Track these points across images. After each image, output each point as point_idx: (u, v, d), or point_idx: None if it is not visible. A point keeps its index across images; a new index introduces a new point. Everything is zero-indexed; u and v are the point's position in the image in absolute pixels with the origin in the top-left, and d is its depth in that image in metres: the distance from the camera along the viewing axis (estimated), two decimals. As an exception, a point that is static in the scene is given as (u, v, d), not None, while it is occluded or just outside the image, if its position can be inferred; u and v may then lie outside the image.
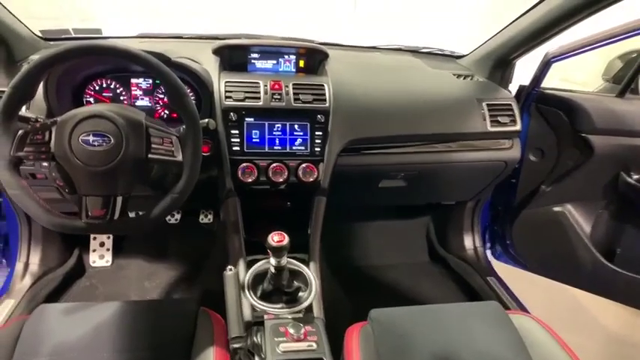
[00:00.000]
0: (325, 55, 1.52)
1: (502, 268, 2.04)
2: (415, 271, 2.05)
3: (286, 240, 1.08)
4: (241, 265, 1.32)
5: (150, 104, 1.44)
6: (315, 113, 1.36)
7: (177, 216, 2.02)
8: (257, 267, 1.30)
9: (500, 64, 1.67)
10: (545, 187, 1.78)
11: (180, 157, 1.04)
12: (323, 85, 1.40)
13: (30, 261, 1.72)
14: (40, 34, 1.55)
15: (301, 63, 1.57)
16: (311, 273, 1.29)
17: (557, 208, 1.76)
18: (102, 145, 0.96)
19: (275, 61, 1.56)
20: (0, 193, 1.61)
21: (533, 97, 1.74)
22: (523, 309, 1.74)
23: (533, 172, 1.80)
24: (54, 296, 1.68)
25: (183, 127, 1.10)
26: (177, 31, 1.81)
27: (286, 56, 1.56)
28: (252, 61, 1.55)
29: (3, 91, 1.25)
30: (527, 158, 1.78)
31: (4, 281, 1.71)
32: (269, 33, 1.84)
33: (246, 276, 1.27)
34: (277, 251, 1.11)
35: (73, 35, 1.65)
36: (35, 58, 0.97)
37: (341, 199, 1.65)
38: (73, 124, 0.96)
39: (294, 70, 1.57)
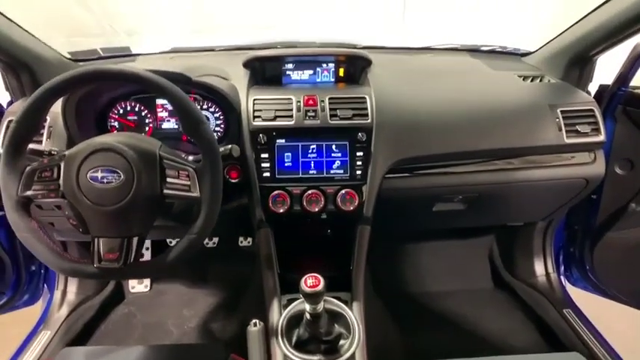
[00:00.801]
0: (368, 62, 1.34)
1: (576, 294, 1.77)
2: (477, 300, 1.81)
3: (322, 284, 0.93)
4: (275, 305, 1.17)
5: (176, 127, 1.33)
6: (355, 131, 1.19)
7: (215, 239, 1.91)
8: (292, 309, 1.15)
9: (577, 61, 1.40)
10: (635, 206, 1.49)
11: (197, 193, 0.91)
12: (364, 98, 1.23)
13: (67, 289, 1.69)
14: (68, 56, 1.50)
15: (341, 72, 1.41)
16: (354, 316, 1.12)
17: None
18: (112, 182, 0.86)
19: (312, 72, 1.41)
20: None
21: (619, 99, 1.45)
22: (609, 351, 1.47)
23: (620, 187, 1.51)
24: (90, 327, 1.63)
25: (198, 157, 0.97)
26: (212, 44, 1.70)
27: (324, 65, 1.41)
28: (287, 72, 1.41)
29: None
30: (613, 171, 1.50)
31: (44, 309, 1.67)
32: (310, 37, 1.69)
33: (279, 320, 1.12)
34: (311, 297, 0.95)
35: (102, 55, 1.59)
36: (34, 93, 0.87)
37: (389, 225, 1.46)
38: (80, 160, 0.87)
39: (333, 80, 1.41)
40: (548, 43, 1.54)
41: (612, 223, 1.55)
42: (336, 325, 1.09)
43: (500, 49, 1.74)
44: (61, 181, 0.88)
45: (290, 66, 1.40)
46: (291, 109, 1.20)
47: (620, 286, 1.60)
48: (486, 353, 1.05)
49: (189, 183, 0.92)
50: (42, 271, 1.70)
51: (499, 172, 1.31)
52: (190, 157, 0.99)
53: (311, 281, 0.94)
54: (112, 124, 1.31)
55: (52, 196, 0.89)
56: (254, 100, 1.22)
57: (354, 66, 1.39)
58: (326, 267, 1.28)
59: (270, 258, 1.22)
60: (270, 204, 1.16)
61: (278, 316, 1.14)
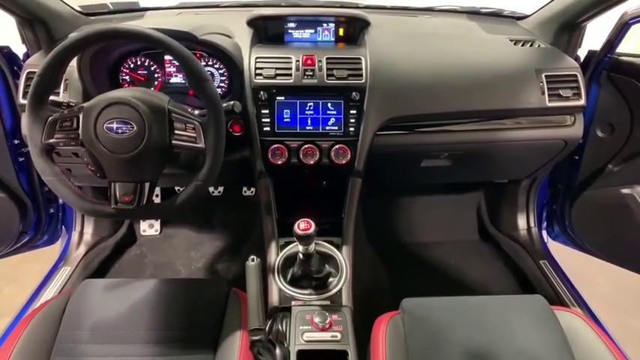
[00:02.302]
0: (366, 23, 1.41)
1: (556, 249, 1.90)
2: (463, 250, 1.95)
3: (312, 228, 1.05)
4: (273, 247, 1.30)
5: (183, 82, 1.42)
6: (349, 90, 1.27)
7: (220, 188, 2.04)
8: (288, 250, 1.28)
9: (567, 27, 1.46)
10: (612, 167, 1.59)
11: (202, 144, 1.02)
12: (360, 59, 1.30)
13: (84, 230, 1.83)
14: (80, 10, 1.56)
15: (341, 31, 1.47)
16: (343, 258, 1.26)
17: (625, 190, 1.57)
18: (125, 133, 0.96)
19: (313, 31, 1.48)
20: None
21: (605, 65, 1.51)
22: (575, 297, 1.61)
23: (601, 149, 1.60)
24: (106, 264, 1.78)
25: (204, 112, 1.07)
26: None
27: (324, 25, 1.47)
28: (289, 31, 1.48)
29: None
30: (594, 134, 1.59)
31: (62, 248, 1.83)
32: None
33: (276, 260, 1.26)
34: (303, 239, 1.08)
35: (112, 9, 1.65)
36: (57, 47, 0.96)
37: (380, 179, 1.57)
38: (97, 111, 0.97)
39: (333, 39, 1.48)
40: (541, 7, 1.58)
41: (591, 182, 1.65)
42: (326, 265, 1.23)
43: (497, 12, 1.78)
44: (80, 131, 0.98)
45: (292, 25, 1.46)
46: (291, 68, 1.28)
47: (596, 240, 1.73)
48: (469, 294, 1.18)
49: (195, 135, 1.02)
50: (60, 213, 1.84)
51: (482, 132, 1.40)
52: (196, 112, 1.09)
53: (303, 225, 1.07)
54: (124, 77, 1.40)
55: (73, 144, 1.00)
56: (256, 58, 1.29)
57: (353, 26, 1.44)
58: (320, 215, 1.40)
59: (269, 205, 1.34)
60: (270, 156, 1.27)
61: (275, 256, 1.28)
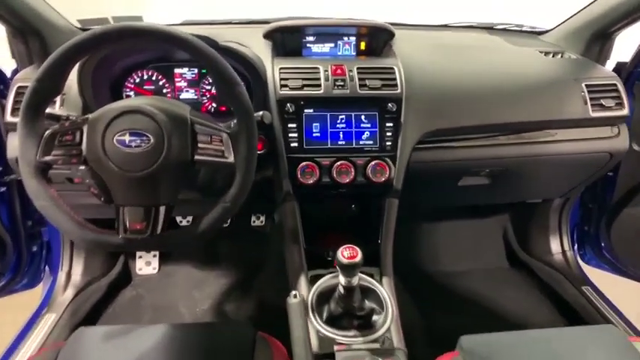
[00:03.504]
0: (390, 35, 1.31)
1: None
2: (493, 279, 1.80)
3: (359, 256, 0.90)
4: (302, 281, 1.13)
5: (195, 97, 1.28)
6: (384, 101, 1.15)
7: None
8: (322, 284, 1.11)
9: (598, 37, 1.40)
10: None
11: (231, 158, 0.87)
12: (392, 68, 1.19)
13: (72, 270, 1.62)
14: (77, 25, 1.42)
15: (362, 45, 1.38)
16: (385, 291, 1.09)
17: None
18: (140, 146, 0.80)
19: (333, 44, 1.38)
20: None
21: (637, 75, 1.45)
22: (627, 322, 1.47)
23: (637, 163, 1.51)
24: (98, 309, 1.56)
25: (235, 121, 0.92)
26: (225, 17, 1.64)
27: (345, 38, 1.38)
28: (308, 45, 1.37)
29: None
30: (630, 148, 1.49)
31: (46, 292, 1.61)
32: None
33: (309, 295, 1.08)
34: (349, 269, 0.92)
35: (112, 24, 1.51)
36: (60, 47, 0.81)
37: (412, 200, 1.43)
38: (106, 122, 0.81)
39: (354, 53, 1.38)
40: (566, 20, 1.53)
41: (629, 199, 1.55)
42: (366, 301, 1.06)
43: (516, 28, 1.72)
44: (83, 146, 0.83)
45: (311, 38, 1.36)
46: (319, 78, 1.16)
47: (637, 263, 1.60)
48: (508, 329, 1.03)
49: (222, 148, 0.87)
50: (43, 251, 1.62)
51: (526, 146, 1.30)
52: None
53: (348, 252, 0.91)
54: (128, 93, 1.25)
55: (74, 162, 0.84)
56: (280, 68, 1.17)
57: (376, 39, 1.35)
58: (351, 242, 1.25)
59: (295, 232, 1.18)
60: (299, 175, 1.11)
61: (307, 291, 1.10)
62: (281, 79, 1.15)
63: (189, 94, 1.27)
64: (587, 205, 1.74)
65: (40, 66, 1.21)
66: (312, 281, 1.14)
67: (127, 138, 0.80)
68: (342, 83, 1.15)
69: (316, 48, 1.37)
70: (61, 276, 1.60)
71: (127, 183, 0.82)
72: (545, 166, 1.36)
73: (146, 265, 1.79)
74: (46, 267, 1.66)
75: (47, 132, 0.83)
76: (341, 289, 0.99)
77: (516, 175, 1.39)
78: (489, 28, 1.69)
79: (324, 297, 1.08)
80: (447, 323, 1.51)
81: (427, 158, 1.25)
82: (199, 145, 0.85)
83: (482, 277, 1.81)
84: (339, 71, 1.16)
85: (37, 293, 1.65)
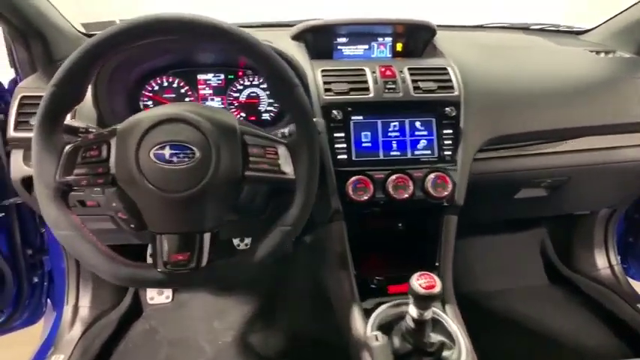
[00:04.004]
0: (431, 33, 1.19)
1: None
2: (536, 298, 1.65)
3: (438, 285, 0.76)
4: (356, 314, 0.99)
5: (222, 106, 1.14)
6: (442, 105, 1.02)
7: (248, 240, 1.69)
8: (380, 316, 0.97)
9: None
10: None
11: (291, 174, 0.72)
12: (446, 69, 1.07)
13: (79, 303, 1.44)
14: (81, 30, 1.28)
15: (399, 46, 1.26)
16: (452, 322, 0.95)
17: None
18: (184, 162, 0.66)
19: (366, 46, 1.26)
20: (43, 222, 1.35)
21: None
22: None
23: None
24: (108, 347, 1.39)
25: (285, 131, 0.80)
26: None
27: (380, 39, 1.25)
28: (339, 47, 1.25)
29: (41, 96, 0.99)
30: None
31: (51, 328, 1.43)
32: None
33: (366, 330, 0.94)
34: (426, 301, 0.78)
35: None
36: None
37: (463, 216, 1.30)
38: (140, 133, 0.67)
39: (389, 55, 1.26)
40: (610, 19, 1.44)
41: None
42: (432, 334, 0.91)
43: (552, 28, 1.61)
44: (111, 163, 0.68)
45: (343, 39, 1.24)
46: (367, 81, 1.02)
47: None
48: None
49: (279, 162, 0.73)
50: (45, 283, 1.45)
51: (590, 153, 1.18)
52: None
53: (425, 281, 0.78)
54: (145, 102, 1.10)
55: (100, 182, 0.69)
56: (322, 71, 1.04)
57: (414, 39, 1.23)
58: (403, 265, 1.11)
59: (344, 257, 1.04)
60: (350, 191, 0.97)
61: (363, 325, 0.96)
62: (324, 82, 1.02)
63: (214, 104, 1.13)
64: (632, 216, 1.62)
65: (45, 72, 1.08)
66: (368, 312, 1.00)
67: (166, 152, 0.66)
68: (393, 86, 1.02)
69: (348, 50, 1.25)
70: (67, 310, 1.42)
71: (166, 206, 0.68)
72: (607, 174, 1.25)
73: (158, 293, 1.62)
74: (48, 300, 1.49)
75: (68, 147, 0.69)
76: (410, 323, 0.85)
77: (577, 185, 1.26)
78: (525, 29, 1.59)
79: (383, 330, 0.94)
80: (492, 347, 1.37)
81: (485, 169, 1.12)
82: (250, 158, 0.71)
83: (522, 295, 1.67)
84: (388, 73, 1.03)
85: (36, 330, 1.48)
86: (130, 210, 0.73)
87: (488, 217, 1.51)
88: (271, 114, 1.14)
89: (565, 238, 1.75)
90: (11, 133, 0.97)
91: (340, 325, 1.05)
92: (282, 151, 0.73)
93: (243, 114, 1.15)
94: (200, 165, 0.67)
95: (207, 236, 0.71)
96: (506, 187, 1.21)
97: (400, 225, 1.17)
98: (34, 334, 1.48)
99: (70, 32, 1.20)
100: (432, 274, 0.79)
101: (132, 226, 0.77)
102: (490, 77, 1.11)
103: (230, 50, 0.74)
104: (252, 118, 1.15)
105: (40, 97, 0.99)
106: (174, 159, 0.66)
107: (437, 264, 1.06)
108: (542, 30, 1.59)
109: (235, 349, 1.44)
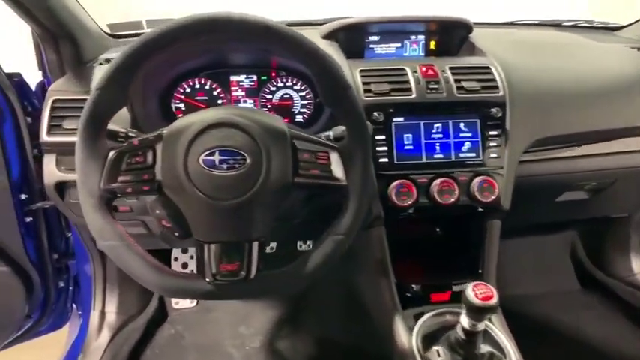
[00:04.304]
0: (468, 29, 1.15)
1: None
2: (568, 303, 1.61)
3: (496, 297, 0.72)
4: (399, 324, 0.95)
5: (254, 107, 1.10)
6: (487, 105, 0.98)
7: (273, 244, 1.66)
8: (424, 326, 0.93)
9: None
10: None
11: (343, 180, 0.69)
12: (489, 67, 1.03)
13: (106, 309, 1.42)
14: (107, 30, 1.25)
15: (432, 44, 1.22)
16: (500, 332, 0.91)
17: None
18: (234, 168, 0.63)
19: (399, 44, 1.22)
20: (69, 226, 1.33)
21: None
22: None
23: None
24: (136, 353, 1.37)
25: (329, 134, 0.76)
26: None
27: (413, 36, 1.21)
28: (371, 46, 1.22)
29: (76, 99, 0.97)
30: None
31: (77, 333, 1.41)
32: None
33: (412, 339, 0.91)
34: (482, 313, 0.75)
35: (146, 30, 1.34)
36: (131, 44, 0.63)
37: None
38: (189, 139, 0.64)
39: (422, 54, 1.23)
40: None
41: None
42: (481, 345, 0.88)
43: (586, 24, 1.56)
44: (157, 169, 0.65)
45: (375, 38, 1.21)
46: (408, 81, 0.99)
47: None
48: None
49: (331, 167, 0.69)
50: (70, 287, 1.43)
51: (636, 154, 1.13)
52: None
53: (482, 291, 0.74)
54: (177, 105, 1.07)
55: (145, 190, 0.67)
56: (360, 71, 1.00)
57: (449, 36, 1.19)
58: (443, 272, 1.07)
59: (385, 264, 1.00)
60: (393, 196, 0.93)
61: (407, 336, 0.92)
62: (363, 83, 0.98)
63: (246, 105, 1.10)
64: None
65: (75, 75, 1.06)
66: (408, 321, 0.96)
67: (216, 158, 0.63)
68: (435, 86, 0.98)
69: (380, 49, 1.22)
70: (94, 316, 1.40)
71: (215, 214, 0.65)
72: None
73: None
74: (73, 305, 1.47)
75: (112, 153, 0.66)
76: (461, 334, 0.82)
77: (620, 188, 1.21)
78: (557, 25, 1.54)
79: (428, 341, 0.91)
80: (537, 358, 1.33)
81: (528, 172, 1.07)
82: (301, 164, 0.68)
83: (555, 300, 1.62)
84: (430, 72, 1.00)
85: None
86: (174, 217, 0.71)
87: (527, 220, 1.47)
88: (304, 115, 1.11)
89: (598, 241, 1.69)
90: (44, 137, 0.95)
91: (380, 334, 1.01)
92: (334, 156, 0.70)
93: (269, 112, 1.12)
94: (250, 171, 0.64)
95: (255, 245, 0.68)
96: (549, 190, 1.17)
97: (438, 230, 1.14)
98: (58, 336, 1.47)
99: (96, 33, 1.18)
100: (489, 285, 0.75)
101: (176, 234, 0.75)
102: (535, 76, 1.07)
103: (279, 50, 0.71)
104: (286, 120, 1.12)
105: (72, 99, 0.98)
106: (224, 165, 0.63)
107: (480, 271, 1.03)
108: (575, 26, 1.54)
109: (263, 355, 1.41)
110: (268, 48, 0.93)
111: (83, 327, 1.41)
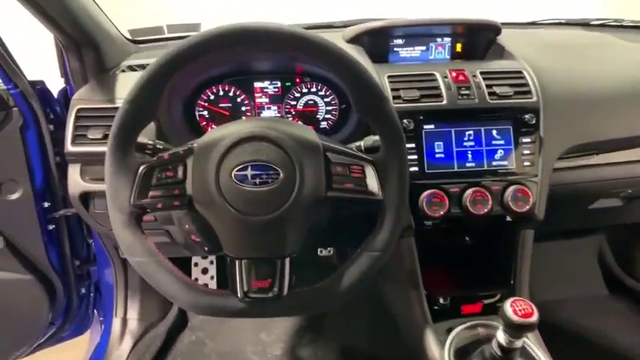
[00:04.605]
0: (496, 31, 1.12)
1: None
2: (596, 309, 1.57)
3: (536, 314, 0.69)
4: (430, 338, 0.93)
5: (278, 115, 1.08)
6: (520, 112, 0.95)
7: None
8: (455, 340, 0.91)
9: None
10: None
11: (379, 194, 0.67)
12: (521, 72, 1.00)
13: (128, 316, 1.41)
14: (128, 36, 1.24)
15: (458, 47, 1.19)
16: (537, 348, 0.88)
17: None
18: (267, 183, 0.61)
19: (424, 47, 1.20)
20: (91, 233, 1.32)
21: None
22: None
23: None
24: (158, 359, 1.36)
25: (360, 144, 0.74)
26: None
27: (438, 39, 1.18)
28: (395, 49, 1.19)
29: (100, 108, 0.96)
30: None
31: (99, 340, 1.41)
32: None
33: (444, 354, 0.88)
34: (521, 330, 0.72)
35: (167, 35, 1.32)
36: (164, 52, 0.61)
37: None
38: (221, 153, 0.62)
39: (448, 57, 1.20)
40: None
41: None
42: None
43: (615, 23, 1.51)
44: (188, 184, 0.64)
45: (399, 41, 1.18)
46: (439, 87, 0.96)
47: None
48: None
49: (366, 181, 0.67)
50: (91, 294, 1.43)
51: None
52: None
53: (521, 307, 0.71)
54: (201, 112, 1.06)
55: (175, 205, 0.65)
56: (388, 77, 0.97)
57: (476, 38, 1.17)
58: (472, 283, 1.04)
59: (415, 275, 0.98)
60: (424, 206, 0.91)
61: (439, 349, 0.90)
62: (392, 89, 0.95)
63: (270, 112, 1.08)
64: None
65: (98, 82, 1.05)
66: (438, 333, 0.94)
67: (248, 173, 0.62)
68: (467, 92, 0.95)
69: (405, 52, 1.19)
70: (116, 323, 1.40)
71: (247, 230, 0.63)
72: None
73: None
74: (94, 311, 1.47)
75: (142, 167, 0.64)
76: (497, 350, 0.79)
77: None
78: (585, 25, 1.49)
79: (460, 355, 0.88)
80: None
81: (561, 179, 1.04)
82: (334, 177, 0.66)
83: (583, 306, 1.58)
84: (461, 77, 0.97)
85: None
86: (204, 232, 0.70)
87: (556, 227, 1.43)
88: (329, 122, 1.09)
89: (626, 247, 1.65)
90: (69, 147, 0.94)
91: (409, 346, 0.99)
92: (369, 169, 0.68)
93: (300, 123, 1.10)
94: (283, 186, 0.62)
95: (287, 261, 0.66)
96: (582, 198, 1.13)
97: (468, 239, 1.11)
98: (78, 340, 1.46)
99: (119, 39, 1.17)
100: (527, 301, 0.72)
101: (205, 248, 0.73)
102: (568, 80, 1.03)
103: (312, 60, 0.69)
104: (310, 128, 1.10)
105: (96, 109, 0.96)
106: (257, 180, 0.61)
107: (511, 282, 1.00)
108: (603, 25, 1.49)
109: None
110: (303, 59, 0.91)
111: (105, 333, 1.41)
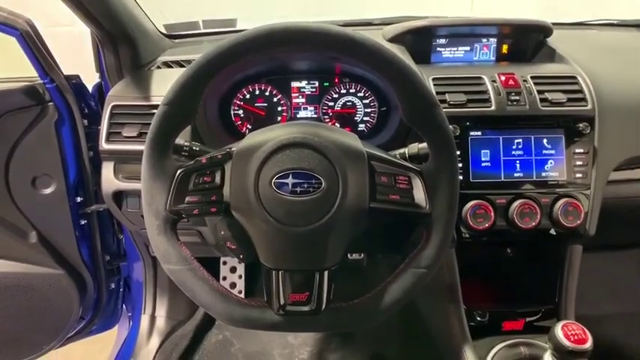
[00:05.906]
0: (547, 32, 1.06)
1: None
2: (640, 326, 1.48)
3: (590, 340, 0.64)
4: (469, 355, 0.88)
5: (315, 115, 1.05)
6: (573, 120, 0.89)
7: None
8: (497, 356, 0.86)
9: None
10: None
11: (427, 207, 0.62)
12: (575, 77, 0.93)
13: (156, 313, 1.41)
14: (163, 31, 1.22)
15: (504, 48, 1.13)
16: None
17: None
18: (308, 192, 0.58)
19: (468, 48, 1.15)
20: (122, 228, 1.32)
21: None
22: None
23: None
24: (185, 358, 1.35)
25: (404, 151, 0.71)
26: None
27: (484, 40, 1.13)
28: (438, 49, 1.14)
29: (135, 105, 0.94)
30: None
31: (127, 336, 1.41)
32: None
33: None
34: (573, 357, 0.67)
35: (202, 30, 1.30)
36: (206, 52, 0.59)
37: None
38: (261, 159, 0.59)
39: (493, 58, 1.15)
40: None
41: None
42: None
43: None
44: (225, 190, 0.61)
45: (442, 41, 1.13)
46: (487, 91, 0.90)
47: None
48: None
49: (412, 193, 0.63)
50: (120, 289, 1.43)
51: None
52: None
53: (573, 332, 0.66)
54: (236, 112, 1.03)
55: (212, 211, 0.62)
56: (433, 79, 0.93)
57: (525, 40, 1.11)
58: (514, 298, 0.99)
59: (455, 289, 0.93)
60: (469, 218, 0.86)
61: None
62: (437, 92, 0.91)
63: (307, 112, 1.05)
64: None
65: (132, 79, 1.03)
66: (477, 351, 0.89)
67: (289, 181, 0.58)
68: (517, 97, 0.89)
69: (448, 52, 1.14)
70: (144, 320, 1.40)
71: (286, 241, 0.60)
72: None
73: (231, 302, 1.57)
74: (123, 306, 1.47)
75: (179, 172, 0.62)
76: (544, 374, 0.74)
77: None
78: (635, 26, 1.40)
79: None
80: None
81: (612, 193, 0.97)
82: (378, 188, 0.62)
83: (626, 322, 1.50)
84: (511, 82, 0.91)
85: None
86: (240, 240, 0.67)
87: (604, 240, 1.36)
88: (368, 125, 1.05)
89: None
90: (103, 145, 0.93)
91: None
92: (416, 180, 0.63)
93: (337, 124, 1.06)
94: (325, 196, 0.58)
95: (326, 274, 0.63)
96: (636, 213, 1.06)
97: (510, 251, 1.05)
98: (107, 332, 1.48)
99: (154, 34, 1.15)
100: (580, 326, 0.67)
101: (241, 256, 0.71)
102: (625, 86, 0.97)
103: (359, 63, 0.65)
104: (347, 129, 1.06)
105: (131, 105, 0.95)
106: (298, 189, 0.58)
107: (556, 299, 0.94)
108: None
109: None
110: (346, 59, 0.87)
111: (133, 328, 1.41)
